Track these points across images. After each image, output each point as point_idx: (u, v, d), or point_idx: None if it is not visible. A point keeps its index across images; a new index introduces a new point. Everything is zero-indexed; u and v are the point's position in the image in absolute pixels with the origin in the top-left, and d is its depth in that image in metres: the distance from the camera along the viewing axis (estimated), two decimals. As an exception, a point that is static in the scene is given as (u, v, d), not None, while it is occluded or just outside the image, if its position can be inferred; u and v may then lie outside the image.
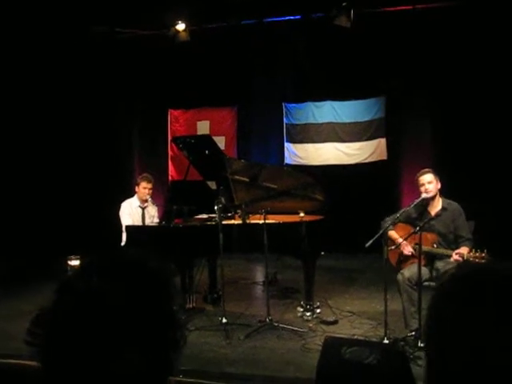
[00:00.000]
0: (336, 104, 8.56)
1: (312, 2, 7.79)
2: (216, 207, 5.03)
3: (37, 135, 8.30)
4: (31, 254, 7.37)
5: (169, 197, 8.18)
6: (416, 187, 4.64)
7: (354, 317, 5.29)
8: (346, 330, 4.89)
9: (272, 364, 4.15)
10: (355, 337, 4.62)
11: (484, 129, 7.34)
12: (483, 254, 4.08)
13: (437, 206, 4.58)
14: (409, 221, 4.61)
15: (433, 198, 4.56)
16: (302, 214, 5.34)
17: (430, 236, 4.43)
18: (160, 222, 5.86)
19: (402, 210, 4.57)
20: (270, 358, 4.26)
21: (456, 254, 4.25)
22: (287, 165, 8.62)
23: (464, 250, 4.30)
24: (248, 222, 5.39)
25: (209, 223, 5.46)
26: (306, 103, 8.73)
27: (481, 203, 6.29)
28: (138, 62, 8.68)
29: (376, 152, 8.41)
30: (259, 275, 7.19)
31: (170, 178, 9.30)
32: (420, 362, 3.68)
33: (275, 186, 5.46)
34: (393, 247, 4.52)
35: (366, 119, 8.43)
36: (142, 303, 0.89)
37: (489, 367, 0.73)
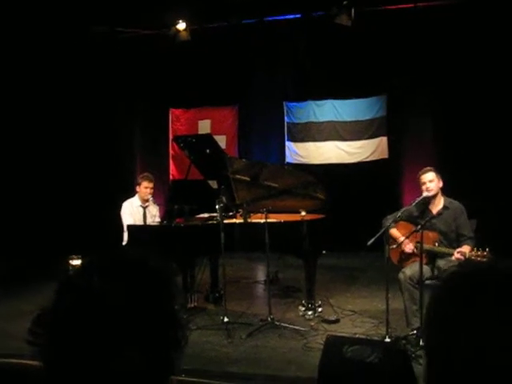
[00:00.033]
0: (337, 102, 8.56)
1: (312, 1, 7.79)
2: (217, 206, 5.03)
3: (37, 135, 8.30)
4: (31, 254, 7.37)
5: (170, 196, 8.20)
6: (417, 186, 4.64)
7: (356, 315, 5.28)
8: (347, 328, 4.89)
9: (274, 363, 4.15)
10: (357, 335, 4.62)
11: (486, 127, 7.33)
12: (485, 253, 4.07)
13: (438, 205, 4.57)
14: (410, 219, 4.60)
15: (434, 196, 4.55)
16: (303, 213, 5.34)
17: (431, 234, 4.43)
18: (161, 222, 5.86)
19: (404, 209, 4.57)
20: (271, 357, 4.26)
21: (458, 252, 4.25)
22: (288, 164, 8.62)
23: (466, 248, 4.30)
24: (249, 221, 5.40)
25: (210, 222, 5.46)
26: (306, 102, 8.73)
27: (482, 201, 6.29)
28: (139, 61, 8.68)
29: (377, 151, 8.40)
30: (261, 274, 7.19)
31: (171, 177, 9.31)
32: (421, 361, 3.68)
33: (276, 185, 5.47)
34: (394, 246, 4.52)
35: (368, 118, 8.42)
36: (143, 302, 0.89)
37: (489, 367, 0.73)
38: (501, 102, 7.28)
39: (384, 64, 7.91)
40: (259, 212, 5.16)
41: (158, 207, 6.10)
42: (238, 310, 5.45)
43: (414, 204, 4.52)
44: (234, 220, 5.54)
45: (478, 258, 4.07)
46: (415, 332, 4.27)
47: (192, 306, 5.56)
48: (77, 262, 6.33)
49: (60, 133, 8.56)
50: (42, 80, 8.23)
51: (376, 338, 4.46)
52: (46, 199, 8.25)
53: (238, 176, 5.50)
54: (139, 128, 9.43)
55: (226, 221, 5.18)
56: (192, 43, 8.06)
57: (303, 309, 5.30)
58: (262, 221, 4.98)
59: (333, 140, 8.60)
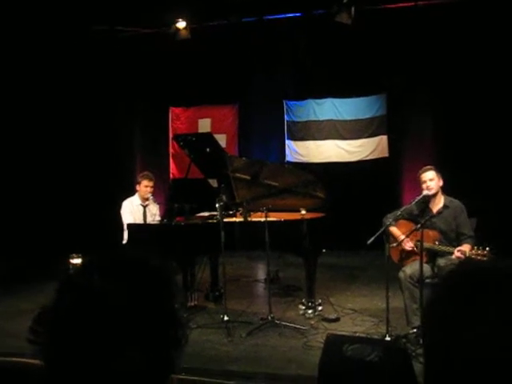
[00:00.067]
0: (337, 101, 8.56)
1: (313, -1, 7.79)
2: (217, 205, 5.03)
3: (38, 134, 8.29)
4: (32, 254, 7.37)
5: (170, 195, 8.19)
6: (418, 184, 4.64)
7: (356, 314, 5.29)
8: (347, 327, 4.89)
9: (274, 362, 4.15)
10: (357, 334, 4.62)
11: (486, 126, 7.32)
12: (485, 252, 4.07)
13: (438, 204, 4.57)
14: (410, 218, 4.61)
15: (434, 195, 4.55)
16: (303, 212, 5.33)
17: (431, 233, 4.43)
18: (161, 220, 5.86)
19: (404, 207, 4.57)
20: (271, 356, 4.26)
21: (458, 251, 4.25)
22: (288, 162, 8.62)
23: (466, 247, 4.30)
24: (249, 219, 5.40)
25: (210, 221, 5.46)
26: (306, 100, 8.72)
27: (483, 200, 6.29)
28: (139, 60, 8.68)
29: (377, 149, 8.40)
30: (261, 273, 7.19)
31: (171, 176, 9.31)
32: (422, 359, 3.68)
33: (276, 184, 5.47)
34: (394, 244, 4.52)
35: (368, 116, 8.42)
36: (144, 301, 0.89)
37: (488, 366, 0.73)
38: (501, 100, 7.28)
39: (384, 62, 7.90)
40: (259, 211, 5.16)
41: (158, 206, 6.10)
42: (238, 309, 5.45)
43: (414, 203, 4.52)
44: (234, 219, 5.54)
45: (478, 257, 4.07)
46: (415, 330, 4.27)
47: (192, 304, 5.56)
48: (77, 261, 6.33)
49: (60, 132, 8.55)
50: (42, 79, 8.22)
51: (376, 337, 4.47)
52: (46, 198, 8.24)
53: (238, 175, 5.50)
54: (139, 126, 9.42)
55: (226, 219, 5.18)
56: (192, 42, 8.05)
57: (303, 307, 5.31)
58: (262, 219, 4.98)
59: (333, 139, 8.59)
